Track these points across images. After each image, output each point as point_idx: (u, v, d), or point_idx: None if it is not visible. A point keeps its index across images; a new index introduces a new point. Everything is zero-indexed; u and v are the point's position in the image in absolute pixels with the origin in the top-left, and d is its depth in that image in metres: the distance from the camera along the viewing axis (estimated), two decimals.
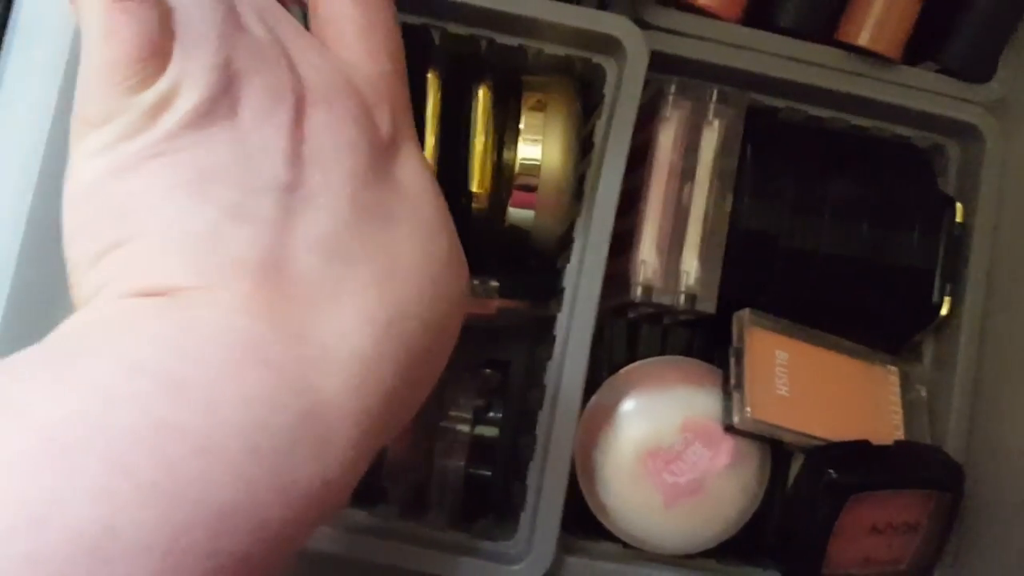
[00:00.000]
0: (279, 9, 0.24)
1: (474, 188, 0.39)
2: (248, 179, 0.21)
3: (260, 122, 0.22)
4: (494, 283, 0.39)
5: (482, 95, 0.40)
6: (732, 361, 0.40)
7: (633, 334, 0.45)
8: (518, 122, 0.41)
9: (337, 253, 0.22)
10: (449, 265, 0.24)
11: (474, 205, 0.40)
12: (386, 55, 0.25)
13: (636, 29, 0.40)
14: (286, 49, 0.23)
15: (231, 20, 0.22)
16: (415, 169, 0.25)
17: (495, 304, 0.39)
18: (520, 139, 0.41)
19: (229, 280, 0.20)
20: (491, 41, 0.42)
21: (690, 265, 0.40)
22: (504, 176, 0.41)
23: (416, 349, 0.22)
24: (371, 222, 0.22)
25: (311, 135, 0.22)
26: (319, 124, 0.22)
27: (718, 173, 0.41)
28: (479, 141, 0.40)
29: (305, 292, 0.21)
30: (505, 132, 0.41)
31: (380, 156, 0.23)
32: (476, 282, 0.39)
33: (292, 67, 0.23)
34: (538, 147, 0.41)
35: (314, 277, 0.21)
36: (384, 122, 0.24)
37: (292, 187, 0.21)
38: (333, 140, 0.22)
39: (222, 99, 0.21)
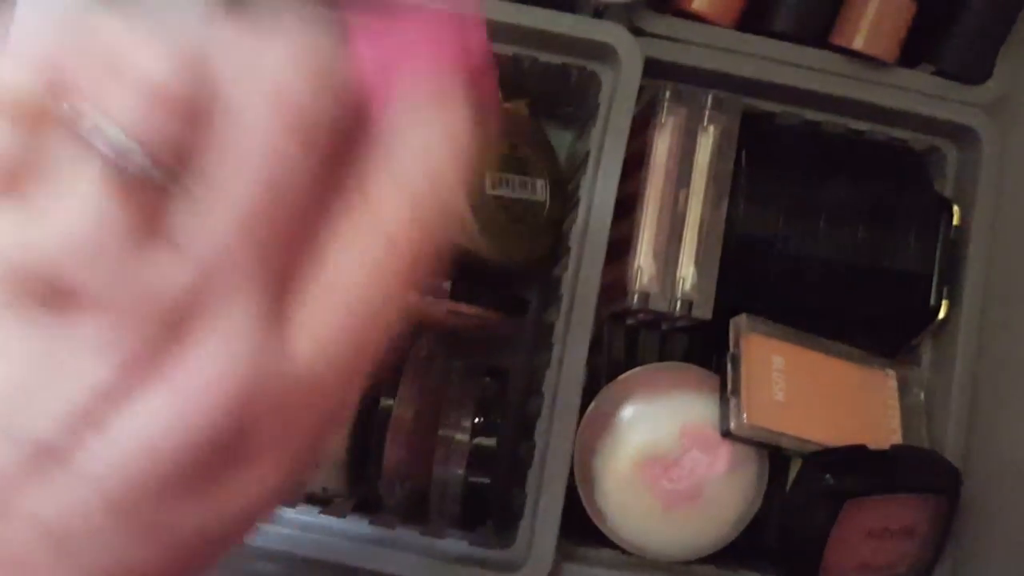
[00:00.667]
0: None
1: None
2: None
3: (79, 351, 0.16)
4: (445, 285, 0.39)
5: None
6: (729, 367, 0.40)
7: (632, 340, 0.45)
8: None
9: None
10: None
11: None
12: (329, 365, 0.18)
13: (630, 37, 0.40)
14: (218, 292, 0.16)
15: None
16: (246, 496, 0.18)
17: (445, 306, 0.39)
18: None
19: None
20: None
21: (686, 271, 0.40)
22: None
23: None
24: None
25: (138, 394, 0.16)
26: (159, 391, 0.16)
27: (713, 179, 0.41)
28: None
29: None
30: None
31: (208, 462, 0.17)
32: (426, 287, 0.39)
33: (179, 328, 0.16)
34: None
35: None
36: (260, 425, 0.17)
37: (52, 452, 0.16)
38: (160, 413, 0.16)
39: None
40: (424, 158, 0.18)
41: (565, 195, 0.45)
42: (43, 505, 0.16)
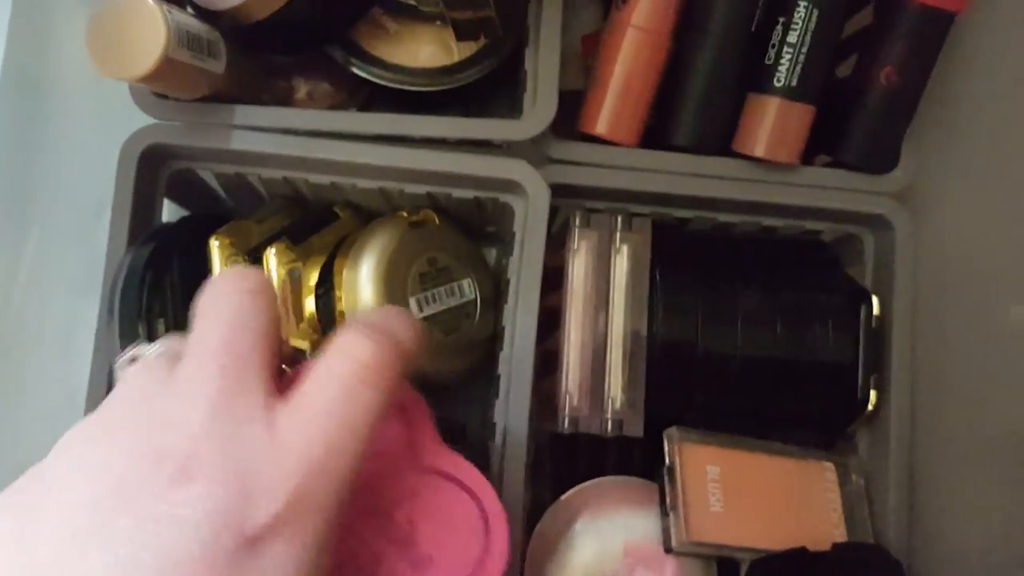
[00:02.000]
0: (252, 351, 0.25)
1: None
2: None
3: (128, 483, 0.22)
4: None
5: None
6: (665, 480, 0.41)
7: (572, 452, 0.46)
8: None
9: None
10: None
11: None
12: (322, 448, 0.24)
13: (533, 171, 0.41)
14: (212, 412, 0.24)
15: None
16: (274, 572, 0.23)
17: None
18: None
19: None
20: (401, 191, 0.43)
21: (615, 391, 0.41)
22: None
23: None
24: None
25: (173, 511, 0.22)
26: (185, 502, 0.22)
27: (632, 297, 0.42)
28: None
29: None
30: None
31: (237, 547, 0.23)
32: None
33: (196, 433, 0.23)
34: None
35: None
36: (259, 513, 0.23)
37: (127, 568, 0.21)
38: (191, 522, 0.22)
39: None
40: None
41: (495, 287, 0.47)
42: None
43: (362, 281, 0.42)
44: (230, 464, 0.23)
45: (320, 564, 0.24)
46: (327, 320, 0.42)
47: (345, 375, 0.25)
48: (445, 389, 0.48)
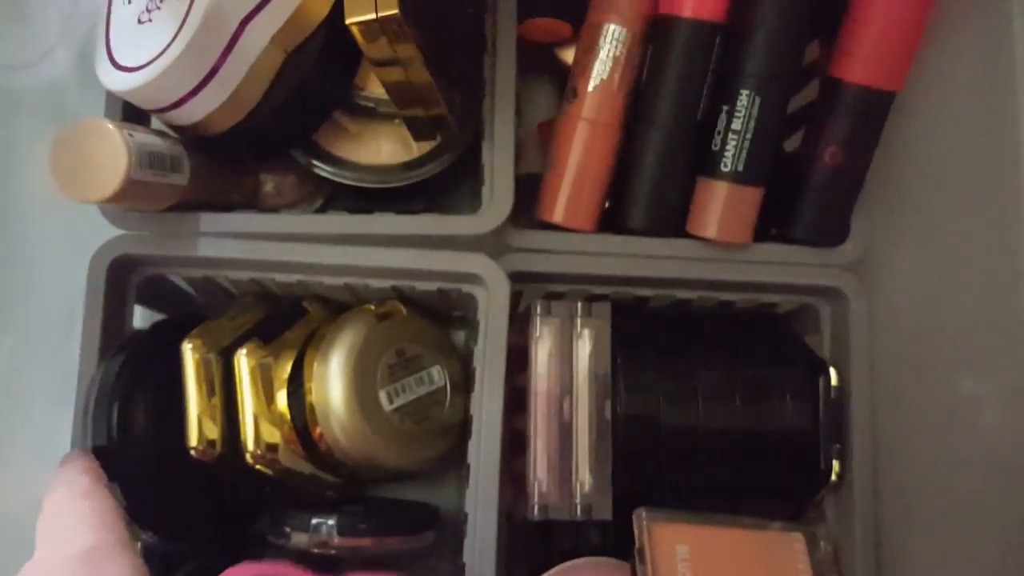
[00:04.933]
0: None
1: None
2: None
3: None
4: (331, 521, 0.41)
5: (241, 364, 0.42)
6: (636, 561, 0.42)
7: (545, 532, 0.47)
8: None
9: None
10: None
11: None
12: None
13: (493, 264, 0.42)
14: None
15: None
16: None
17: (335, 543, 0.41)
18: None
19: None
20: (367, 286, 0.44)
21: (583, 476, 0.42)
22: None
23: None
24: None
25: None
26: None
27: (595, 380, 0.43)
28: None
29: None
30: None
31: None
32: (314, 521, 0.41)
33: None
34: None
35: None
36: None
37: None
38: None
39: None
40: None
41: (464, 371, 0.47)
42: None
43: (331, 376, 0.43)
44: None
45: None
46: (298, 414, 0.43)
47: None
48: (421, 475, 0.49)
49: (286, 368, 0.43)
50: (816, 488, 0.44)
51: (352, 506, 0.45)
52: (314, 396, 0.43)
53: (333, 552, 0.42)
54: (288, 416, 0.43)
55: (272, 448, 0.42)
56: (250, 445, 0.41)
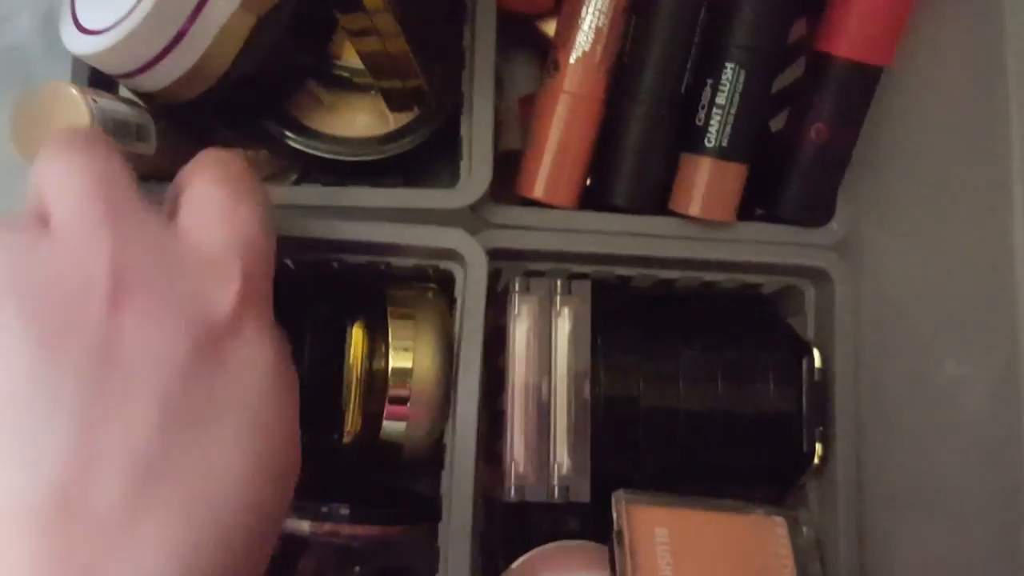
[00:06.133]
0: (119, 181, 0.24)
1: (347, 428, 0.40)
2: (41, 398, 0.20)
3: (61, 326, 0.21)
4: (344, 510, 0.40)
5: (356, 337, 0.41)
6: (615, 544, 0.41)
7: (524, 516, 0.46)
8: (386, 334, 0.42)
9: (142, 473, 0.20)
10: (276, 458, 0.23)
11: (345, 439, 0.41)
12: (245, 232, 0.25)
13: (471, 239, 0.41)
14: (113, 228, 0.22)
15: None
16: (253, 354, 0.23)
17: (345, 531, 0.40)
18: (391, 351, 0.42)
19: (12, 536, 0.19)
20: (341, 261, 0.43)
21: (561, 457, 0.41)
22: (376, 387, 0.42)
23: (234, 557, 0.21)
24: (188, 427, 0.21)
25: (124, 330, 0.21)
26: (134, 317, 0.21)
27: (574, 360, 0.42)
28: (355, 383, 0.40)
29: (102, 530, 0.19)
30: (375, 343, 0.42)
31: (210, 342, 0.22)
32: (325, 508, 0.40)
33: (112, 250, 0.22)
34: (409, 358, 0.42)
35: (114, 510, 0.20)
36: (223, 302, 0.23)
37: (96, 398, 0.20)
38: (148, 335, 0.21)
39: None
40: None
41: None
42: (114, 447, 0.20)
43: None
44: (161, 270, 0.22)
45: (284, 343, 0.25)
46: None
47: (231, 179, 0.26)
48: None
49: None
50: (799, 471, 0.43)
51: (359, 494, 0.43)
52: None
53: (337, 540, 0.40)
54: None
55: None
56: None
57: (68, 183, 0.23)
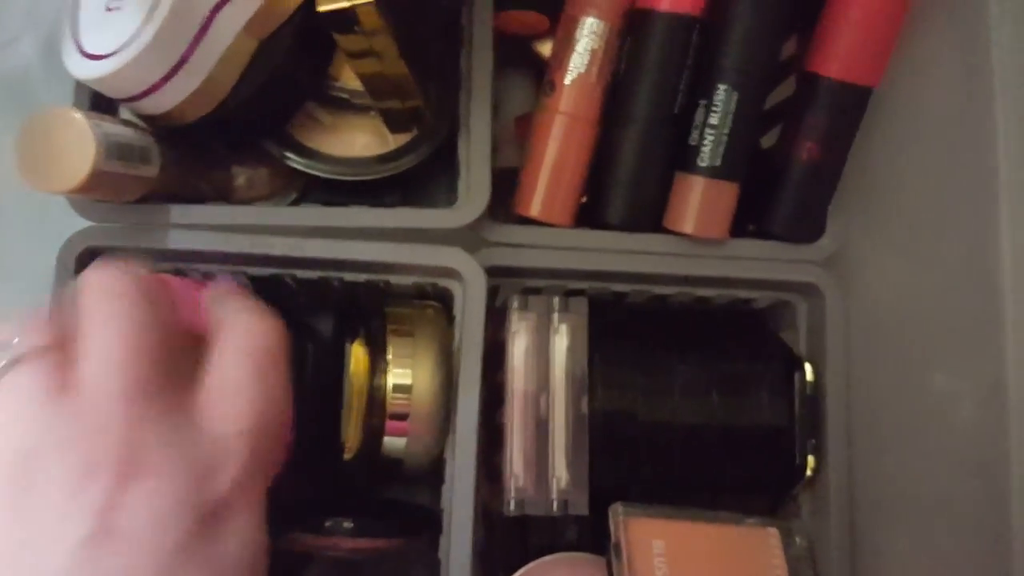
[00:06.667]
0: (151, 351, 0.25)
1: (347, 443, 0.41)
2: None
3: (64, 501, 0.23)
4: (347, 524, 0.41)
5: (356, 354, 0.42)
6: (612, 556, 0.42)
7: (524, 528, 0.47)
8: (386, 351, 0.43)
9: None
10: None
11: (346, 455, 0.41)
12: (260, 421, 0.26)
13: (469, 258, 0.42)
14: (131, 408, 0.24)
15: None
16: (240, 532, 0.25)
17: (352, 545, 0.40)
18: (391, 368, 0.43)
19: None
20: (341, 279, 0.44)
21: (559, 471, 0.42)
22: (376, 404, 0.42)
23: None
24: None
25: (127, 506, 0.23)
26: (138, 494, 0.23)
27: (572, 375, 0.42)
28: (355, 399, 0.41)
29: None
30: (375, 359, 0.43)
31: (206, 520, 0.24)
32: (328, 523, 0.41)
33: (128, 428, 0.24)
34: (408, 374, 0.42)
35: None
36: (221, 484, 0.25)
37: (94, 564, 0.22)
38: (150, 510, 0.23)
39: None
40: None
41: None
42: None
43: None
44: (172, 450, 0.24)
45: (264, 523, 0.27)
46: None
47: (258, 355, 0.28)
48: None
49: None
50: (791, 483, 0.44)
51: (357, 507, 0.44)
52: None
53: (339, 554, 0.41)
54: None
55: None
56: None
57: (104, 343, 0.25)
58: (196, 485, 0.24)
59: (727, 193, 0.43)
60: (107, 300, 0.26)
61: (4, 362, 0.25)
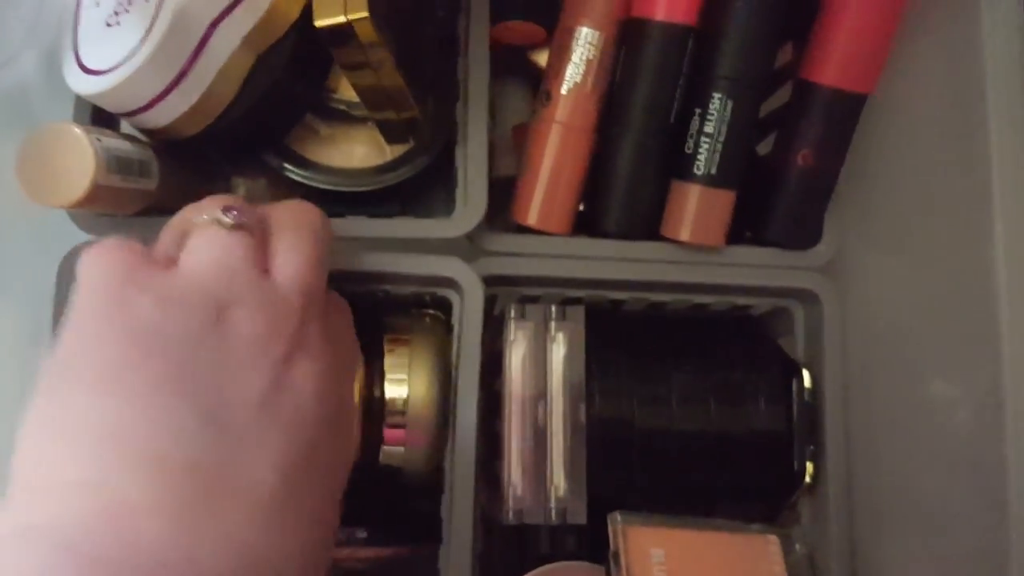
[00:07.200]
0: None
1: None
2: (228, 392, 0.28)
3: (252, 355, 0.28)
4: (362, 534, 0.41)
5: None
6: (611, 565, 0.42)
7: (522, 537, 0.47)
8: (383, 361, 0.43)
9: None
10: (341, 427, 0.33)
11: None
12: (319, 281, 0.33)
13: (467, 267, 0.42)
14: (302, 305, 0.31)
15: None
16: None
17: (363, 554, 0.41)
18: (388, 377, 0.43)
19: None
20: (340, 289, 0.44)
21: (557, 480, 0.42)
22: (374, 413, 0.43)
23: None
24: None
25: (294, 375, 0.29)
26: (302, 369, 0.30)
27: (569, 383, 0.43)
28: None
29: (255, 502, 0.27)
30: (373, 369, 0.43)
31: (345, 398, 0.34)
32: (341, 535, 0.41)
33: (301, 322, 0.30)
34: (404, 385, 0.43)
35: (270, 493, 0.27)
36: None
37: (265, 406, 0.28)
38: (308, 383, 0.30)
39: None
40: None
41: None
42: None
43: None
44: (325, 344, 0.32)
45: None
46: None
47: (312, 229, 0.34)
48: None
49: None
50: (790, 490, 0.44)
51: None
52: None
53: (346, 564, 0.41)
54: None
55: None
56: None
57: (297, 250, 0.32)
58: (337, 375, 0.32)
59: (723, 201, 0.43)
60: (303, 213, 0.34)
61: (220, 220, 0.31)
